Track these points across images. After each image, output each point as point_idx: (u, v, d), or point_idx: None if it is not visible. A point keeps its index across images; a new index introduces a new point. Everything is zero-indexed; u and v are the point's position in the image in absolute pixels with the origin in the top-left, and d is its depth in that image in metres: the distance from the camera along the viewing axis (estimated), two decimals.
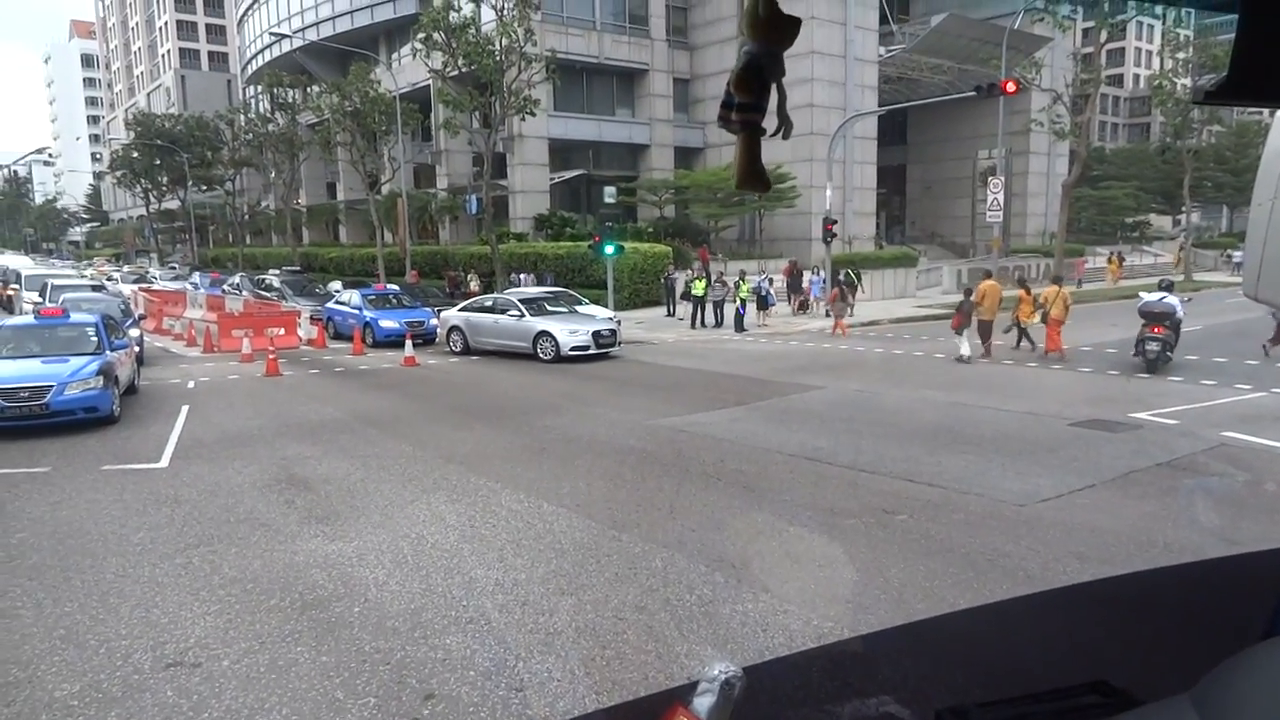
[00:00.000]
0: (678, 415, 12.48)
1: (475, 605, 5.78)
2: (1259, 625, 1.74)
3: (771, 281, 25.91)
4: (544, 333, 19.18)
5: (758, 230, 43.67)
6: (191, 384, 16.69)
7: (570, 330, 19.09)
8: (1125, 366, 16.36)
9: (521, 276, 29.77)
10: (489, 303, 21.19)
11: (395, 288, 27.20)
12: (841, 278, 26.27)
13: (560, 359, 18.74)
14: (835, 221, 28.67)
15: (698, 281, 25.98)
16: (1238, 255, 46.48)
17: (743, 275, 25.91)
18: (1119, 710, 1.55)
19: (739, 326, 23.99)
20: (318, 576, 6.39)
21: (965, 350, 18.15)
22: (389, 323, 22.84)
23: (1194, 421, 11.34)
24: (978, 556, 6.55)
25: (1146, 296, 16.36)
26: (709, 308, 25.64)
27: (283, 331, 23.43)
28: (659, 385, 16.11)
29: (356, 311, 23.88)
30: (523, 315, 19.73)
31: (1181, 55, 38.71)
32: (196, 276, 45.41)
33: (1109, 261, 43.98)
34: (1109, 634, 1.72)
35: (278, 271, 36.46)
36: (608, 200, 45.37)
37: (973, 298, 18.72)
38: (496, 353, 20.11)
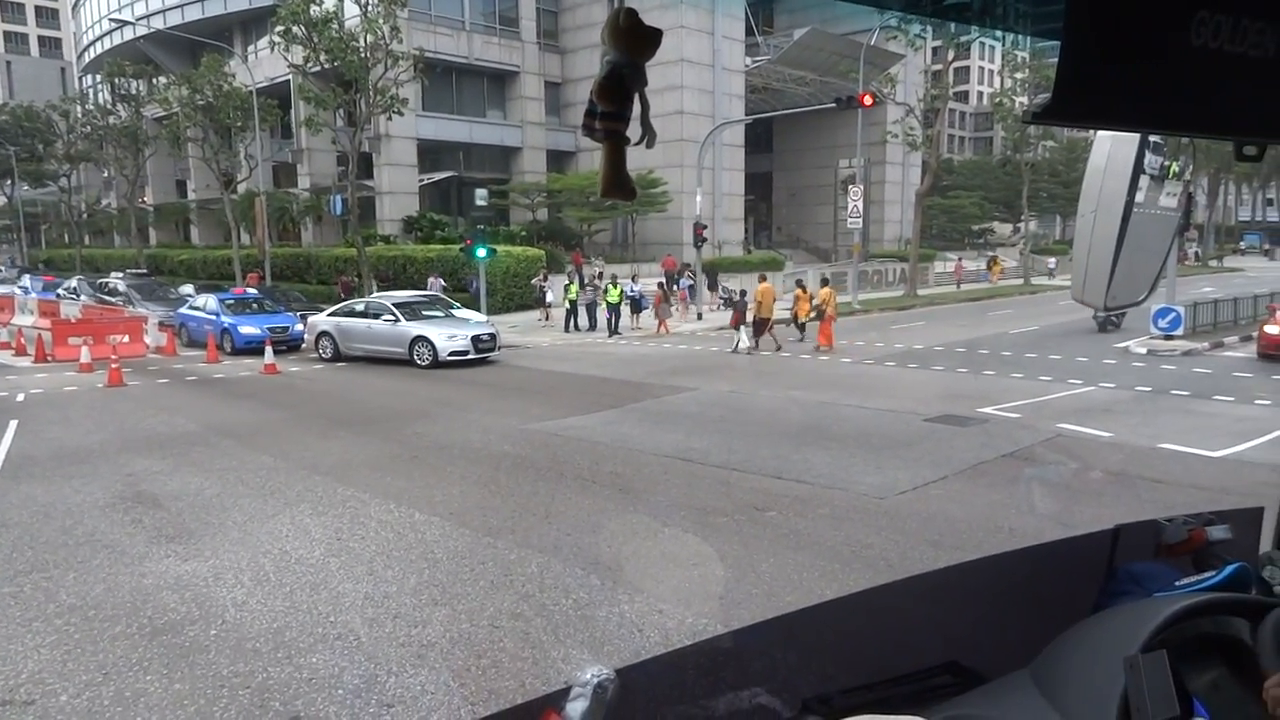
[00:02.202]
0: (553, 419, 12.44)
1: (343, 621, 5.57)
2: (1088, 600, 1.90)
3: (661, 285, 26.18)
4: (420, 338, 18.74)
5: (630, 234, 44.06)
6: (21, 396, 15.37)
7: (448, 335, 18.73)
8: (972, 364, 17.43)
9: (431, 280, 28.91)
10: (360, 307, 20.54)
11: (255, 291, 25.92)
12: (682, 282, 27.50)
13: (438, 364, 18.38)
14: (705, 226, 29.24)
15: (570, 285, 25.97)
16: (1051, 261, 50.29)
17: (612, 280, 26.06)
18: (968, 688, 1.65)
19: (612, 330, 24.14)
20: (169, 599, 6.00)
21: (744, 343, 20.54)
22: (249, 329, 21.73)
23: (1033, 415, 12.18)
24: (842, 548, 6.81)
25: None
26: (582, 311, 25.68)
27: (127, 339, 21.92)
28: (534, 389, 16.00)
29: (213, 317, 22.62)
30: (397, 320, 19.22)
31: (1019, 75, 41.71)
32: (26, 279, 41.89)
33: (991, 264, 46.83)
34: (960, 617, 1.83)
35: (121, 274, 33.98)
36: (479, 203, 44.75)
37: (747, 298, 21.63)
38: (369, 359, 19.50)
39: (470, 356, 18.68)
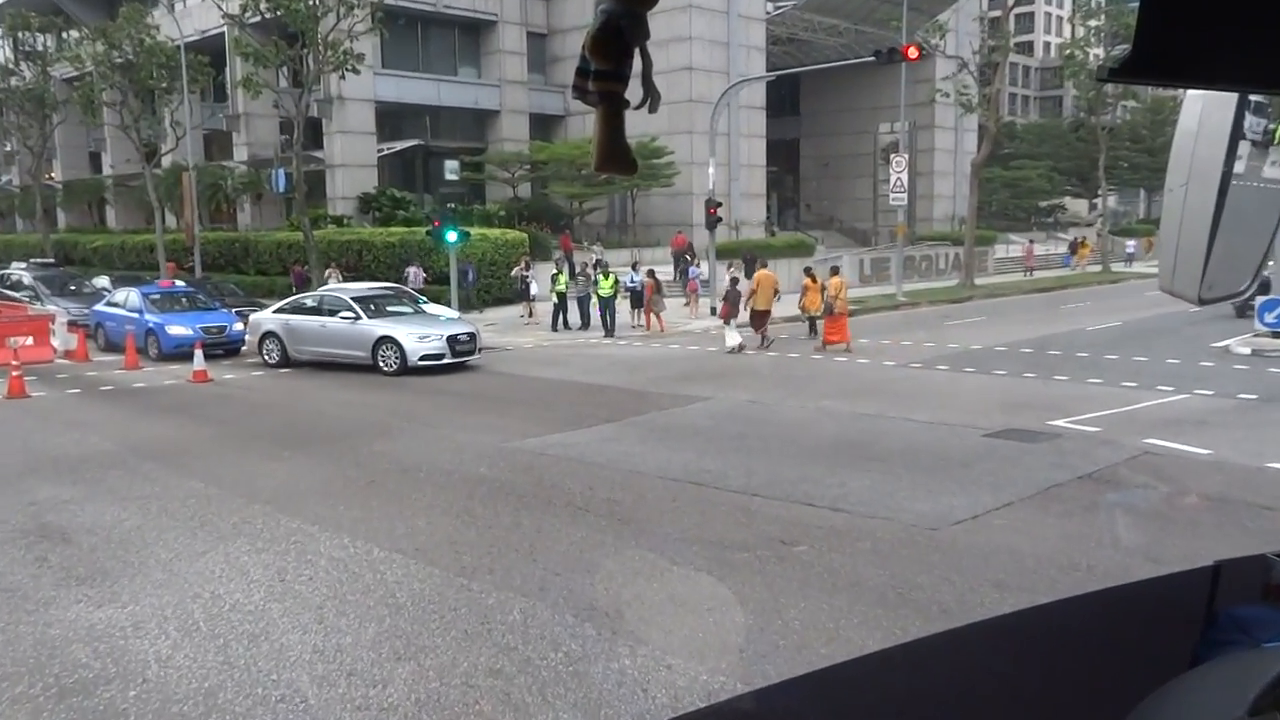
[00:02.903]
0: (538, 435, 12.44)
1: (287, 679, 5.56)
2: (1185, 652, 1.89)
3: (652, 273, 26.19)
4: (386, 339, 18.79)
5: (630, 214, 44.20)
6: None
7: (419, 335, 18.77)
8: (1041, 367, 17.44)
9: (409, 270, 28.98)
10: (313, 302, 20.61)
11: (183, 285, 25.98)
12: (695, 271, 27.53)
13: (407, 370, 18.41)
14: (720, 204, 29.30)
15: (559, 275, 26.02)
16: (1130, 244, 50.18)
17: (602, 267, 26.09)
18: None
19: (608, 329, 24.19)
20: (80, 653, 6.00)
21: (733, 340, 20.83)
22: (179, 329, 21.74)
23: (1115, 428, 12.17)
24: (887, 590, 6.80)
25: None
26: (573, 306, 25.72)
27: (30, 341, 21.95)
28: (516, 400, 16.00)
29: (135, 315, 22.64)
30: (358, 317, 19.27)
31: (1094, 23, 41.66)
32: None
33: (1079, 245, 46.68)
34: (1030, 672, 1.82)
35: (24, 265, 33.99)
36: (449, 177, 44.88)
37: (739, 286, 21.86)
38: (324, 364, 19.54)
39: (445, 360, 18.72)
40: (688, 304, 29.45)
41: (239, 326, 22.26)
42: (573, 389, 16.75)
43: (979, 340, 21.50)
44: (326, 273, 29.77)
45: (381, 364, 18.74)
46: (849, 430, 12.62)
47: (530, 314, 27.69)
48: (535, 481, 10.09)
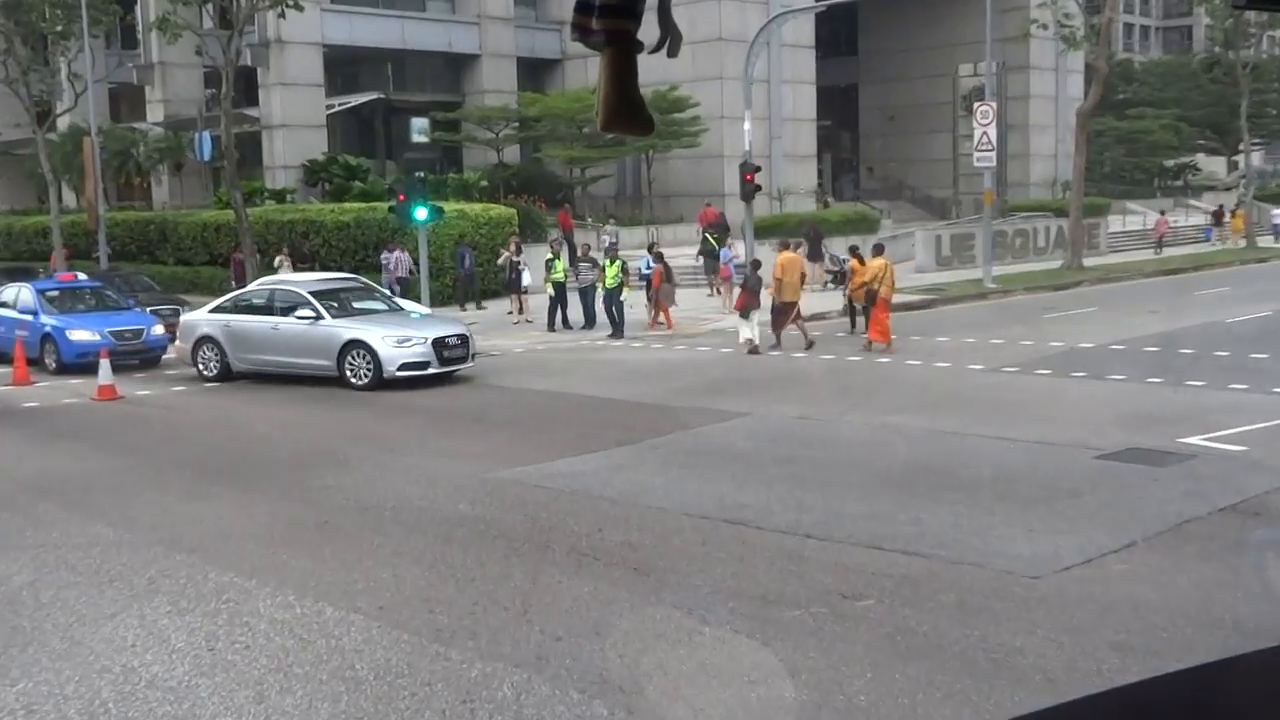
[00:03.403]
0: (533, 463, 12.43)
1: None
2: None
3: (660, 257, 26.19)
4: (356, 343, 18.73)
5: (645, 182, 44.26)
6: None
7: (397, 339, 18.80)
8: (1170, 370, 17.33)
9: (390, 255, 29.03)
10: (261, 298, 20.67)
11: (86, 278, 26.10)
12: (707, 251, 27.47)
13: (383, 383, 18.38)
14: (758, 169, 29.30)
15: (555, 261, 26.02)
16: (1278, 213, 49.41)
17: (609, 252, 25.99)
18: None
19: (618, 329, 24.20)
20: None
21: (748, 334, 20.97)
22: (83, 333, 21.81)
23: (1266, 446, 12.06)
24: (977, 654, 6.76)
25: None
26: (573, 299, 25.72)
27: None
28: (504, 418, 15.99)
29: (28, 317, 22.76)
30: (318, 317, 19.26)
31: None
32: None
33: (1231, 214, 45.86)
34: None
35: None
36: (417, 139, 44.95)
37: (760, 270, 21.71)
38: (276, 376, 19.56)
39: (431, 370, 18.72)
40: (713, 294, 29.40)
41: (159, 330, 22.30)
42: (575, 404, 16.73)
43: (1090, 337, 21.38)
44: (276, 260, 29.87)
45: (350, 375, 18.67)
46: (925, 452, 12.57)
47: (521, 310, 27.72)
48: (529, 521, 10.09)
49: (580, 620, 7.55)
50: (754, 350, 20.79)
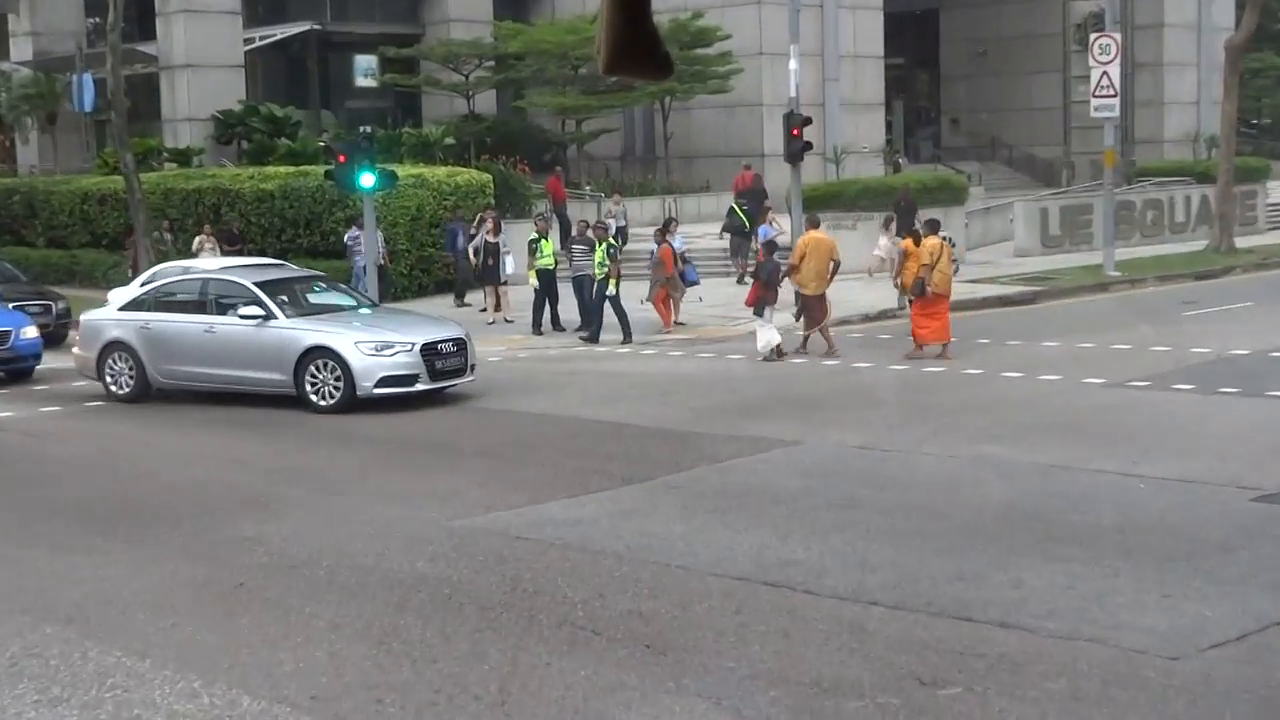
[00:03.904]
0: (514, 507, 12.43)
1: None
2: None
3: (664, 230, 26.11)
4: (320, 351, 18.62)
5: (660, 140, 44.21)
6: None
7: (375, 345, 18.66)
8: None
9: (353, 234, 28.79)
10: (190, 293, 20.62)
11: None
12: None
13: (357, 403, 18.27)
14: (809, 121, 29.25)
15: (542, 242, 25.97)
16: None
17: (595, 230, 25.88)
18: None
19: (625, 331, 24.19)
20: None
21: (767, 338, 21.21)
22: None
23: None
24: None
25: None
26: (565, 292, 25.70)
27: None
28: (477, 448, 16.00)
29: None
30: (269, 316, 19.08)
31: None
32: None
33: None
34: None
35: None
36: (362, 83, 45.08)
37: (778, 257, 22.10)
38: (210, 394, 19.48)
39: (420, 388, 18.58)
40: (743, 282, 29.30)
41: (30, 333, 22.27)
42: (568, 429, 16.73)
43: (1244, 340, 21.29)
44: (195, 242, 29.87)
45: (313, 393, 18.53)
46: (1027, 493, 12.54)
47: (498, 306, 27.72)
48: (508, 584, 10.05)
49: (575, 714, 7.52)
50: (778, 354, 21.07)
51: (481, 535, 11.49)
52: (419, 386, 18.59)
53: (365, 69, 44.76)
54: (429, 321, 20.47)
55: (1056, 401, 17.45)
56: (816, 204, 31.47)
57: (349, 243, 28.85)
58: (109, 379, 20.14)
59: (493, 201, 31.43)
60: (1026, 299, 28.44)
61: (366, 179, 24.26)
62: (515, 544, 11.18)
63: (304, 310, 19.82)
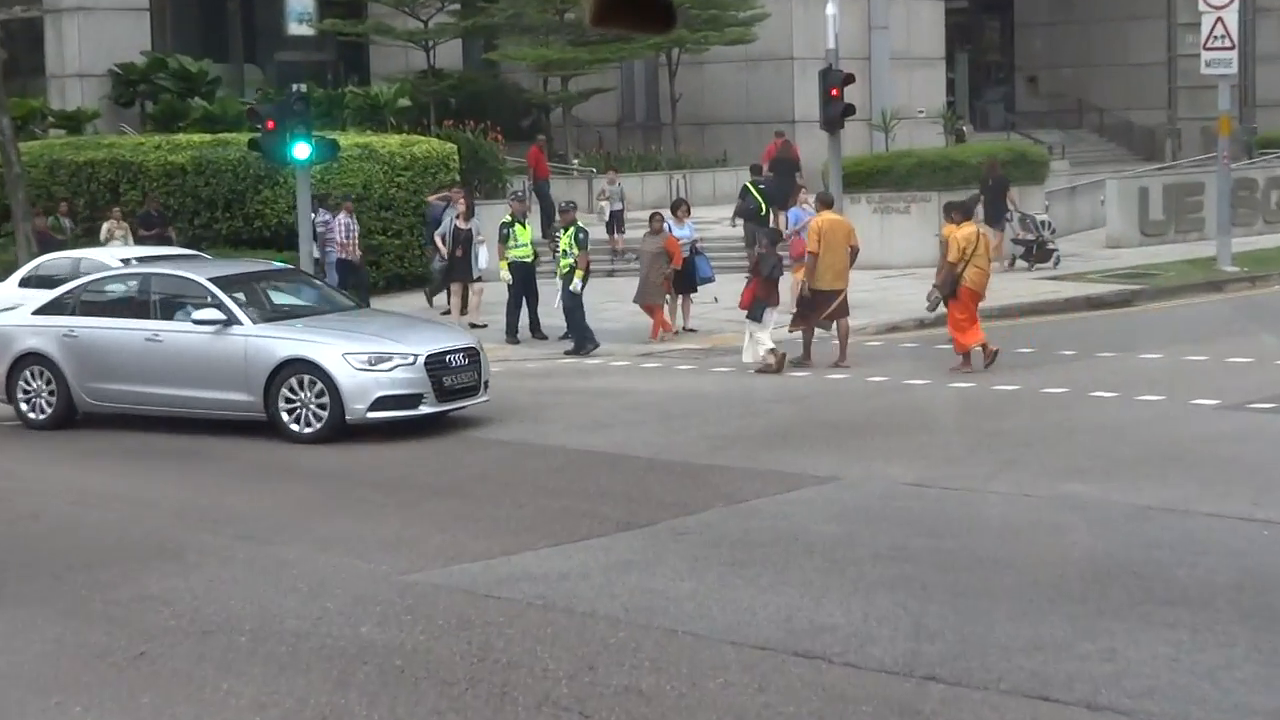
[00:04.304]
0: (483, 557, 12.43)
1: None
2: None
3: (658, 215, 26.20)
4: (298, 365, 18.53)
5: (666, 102, 44.16)
6: None
7: (369, 358, 18.63)
8: None
9: (331, 221, 28.72)
10: (127, 287, 20.65)
11: None
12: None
13: (346, 432, 18.28)
14: (851, 79, 29.24)
15: (518, 228, 25.99)
16: None
17: (563, 211, 25.94)
18: None
19: (581, 339, 24.25)
20: None
21: (766, 345, 21.64)
22: None
23: None
24: None
25: None
26: (547, 290, 25.76)
27: None
28: (439, 484, 16.03)
29: None
30: (231, 321, 18.92)
31: None
32: None
33: None
34: None
35: None
36: (296, 30, 45.13)
37: (781, 246, 22.68)
38: (154, 418, 19.50)
39: (425, 410, 18.55)
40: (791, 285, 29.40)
41: None
42: (552, 461, 16.76)
43: None
44: (104, 230, 29.88)
45: (289, 418, 18.39)
46: (1121, 542, 12.51)
47: (464, 308, 27.74)
48: (475, 654, 10.02)
49: None
50: (776, 366, 21.42)
51: (443, 593, 11.49)
52: (423, 409, 18.51)
53: (299, 13, 44.75)
54: (431, 327, 20.54)
55: (1158, 428, 17.45)
56: (860, 182, 31.58)
57: (319, 228, 28.37)
58: (22, 401, 20.04)
59: (458, 178, 31.43)
60: (1121, 300, 28.45)
61: (300, 149, 24.27)
62: (484, 604, 11.15)
63: (273, 313, 19.77)
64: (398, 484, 16.21)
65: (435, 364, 18.58)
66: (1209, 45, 32.43)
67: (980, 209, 27.81)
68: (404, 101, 40.05)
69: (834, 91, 28.25)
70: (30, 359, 20.11)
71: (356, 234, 28.46)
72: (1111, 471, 15.08)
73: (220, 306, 19.16)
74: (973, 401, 19.68)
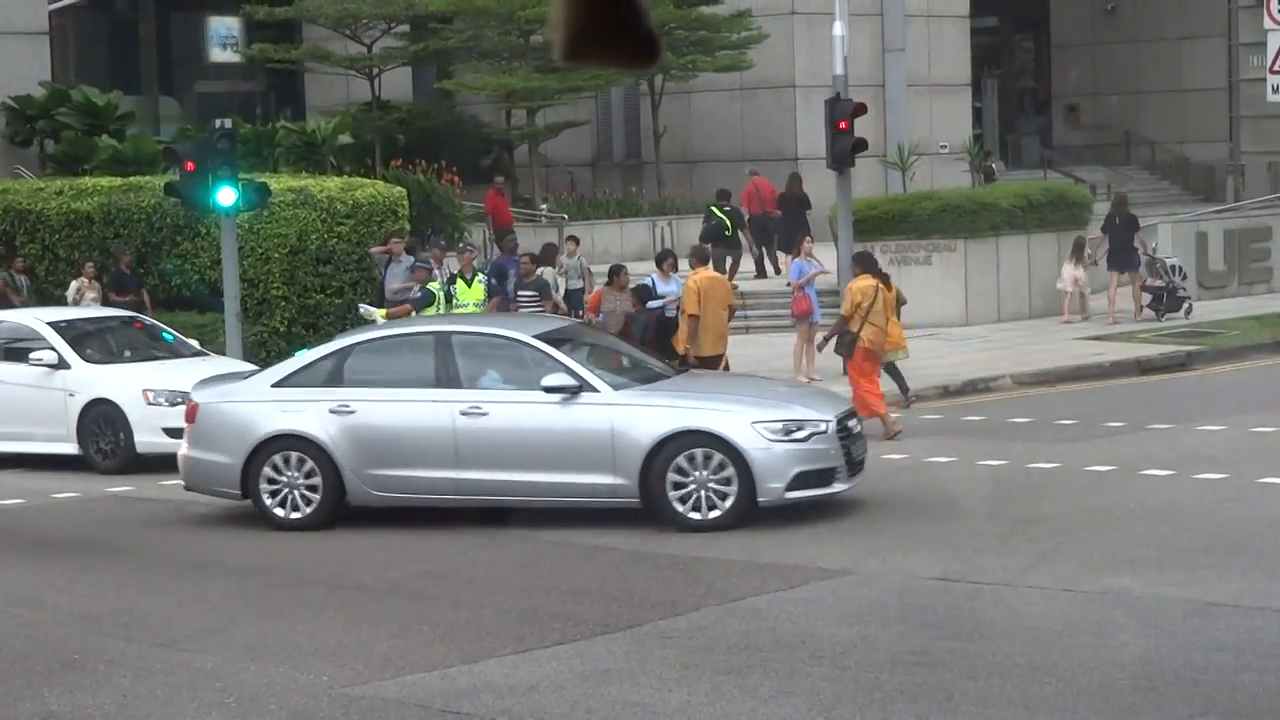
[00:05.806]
0: (437, 667, 12.41)
1: None
2: None
3: (617, 271, 26.36)
4: (689, 438, 18.04)
5: (650, 135, 44.22)
6: None
7: (782, 426, 18.17)
8: None
9: (397, 264, 28.79)
10: (416, 348, 20.04)
11: None
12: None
13: (752, 516, 17.78)
14: (863, 109, 29.36)
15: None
16: None
17: (460, 253, 25.98)
18: None
19: None
20: None
21: None
22: None
23: None
24: None
25: None
26: None
27: None
28: (384, 579, 16.05)
29: None
30: (582, 389, 17.65)
31: None
32: None
33: None
34: None
35: None
36: (220, 57, 45.22)
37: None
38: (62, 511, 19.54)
39: (837, 488, 18.32)
40: (803, 350, 29.43)
41: None
42: (517, 553, 16.86)
43: None
44: (73, 288, 29.88)
45: (681, 505, 17.79)
46: (1177, 645, 12.50)
47: None
48: None
49: None
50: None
51: (392, 708, 11.49)
52: (836, 487, 18.23)
53: (223, 36, 44.91)
54: (796, 387, 20.89)
55: (1220, 512, 17.47)
56: (874, 228, 31.62)
57: (383, 269, 28.88)
58: (267, 494, 18.97)
59: (406, 227, 31.44)
60: (1176, 363, 28.52)
61: (225, 195, 24.31)
62: None
63: (617, 375, 19.57)
64: (337, 580, 16.20)
65: (843, 432, 18.46)
66: (1276, 68, 32.67)
67: (1104, 251, 27.87)
68: (345, 138, 40.04)
69: (842, 124, 28.34)
70: (282, 442, 19.68)
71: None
72: (1166, 562, 15.11)
73: (568, 371, 18.68)
74: (1005, 482, 19.70)
